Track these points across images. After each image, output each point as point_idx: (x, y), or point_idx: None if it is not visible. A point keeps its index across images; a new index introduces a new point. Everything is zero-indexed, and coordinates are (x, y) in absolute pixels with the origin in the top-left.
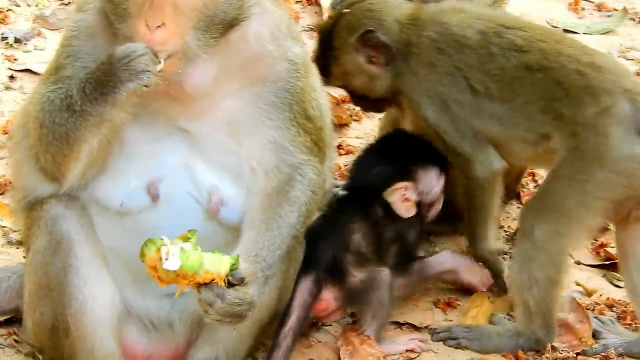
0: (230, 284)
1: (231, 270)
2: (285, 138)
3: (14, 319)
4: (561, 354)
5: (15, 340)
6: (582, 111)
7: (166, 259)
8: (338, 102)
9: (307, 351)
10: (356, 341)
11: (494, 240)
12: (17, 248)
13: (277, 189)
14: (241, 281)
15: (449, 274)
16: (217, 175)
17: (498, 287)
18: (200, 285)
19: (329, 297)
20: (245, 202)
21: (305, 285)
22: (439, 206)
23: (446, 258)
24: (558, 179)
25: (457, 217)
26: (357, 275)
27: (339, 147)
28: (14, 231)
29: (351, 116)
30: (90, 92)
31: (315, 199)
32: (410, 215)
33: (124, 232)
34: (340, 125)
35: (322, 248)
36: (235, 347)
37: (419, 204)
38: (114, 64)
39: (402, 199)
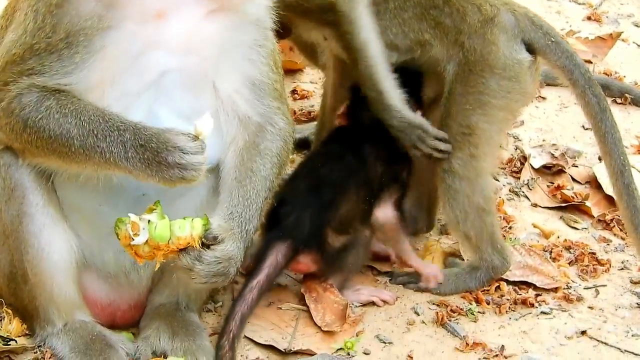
0: (205, 245)
1: (204, 231)
2: (262, 76)
3: None
4: (519, 294)
5: None
6: (465, 20)
7: (135, 235)
8: (291, 48)
9: (269, 294)
10: (319, 288)
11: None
12: None
13: (249, 142)
14: (215, 240)
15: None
16: (184, 119)
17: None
18: (179, 253)
19: (307, 262)
20: (217, 143)
21: (281, 249)
22: None
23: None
24: (454, 99)
25: None
26: (336, 243)
27: (294, 92)
28: None
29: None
30: (132, 154)
31: (286, 148)
32: None
33: (83, 188)
34: (294, 71)
35: (301, 218)
36: (195, 290)
37: None
38: (168, 160)
39: None
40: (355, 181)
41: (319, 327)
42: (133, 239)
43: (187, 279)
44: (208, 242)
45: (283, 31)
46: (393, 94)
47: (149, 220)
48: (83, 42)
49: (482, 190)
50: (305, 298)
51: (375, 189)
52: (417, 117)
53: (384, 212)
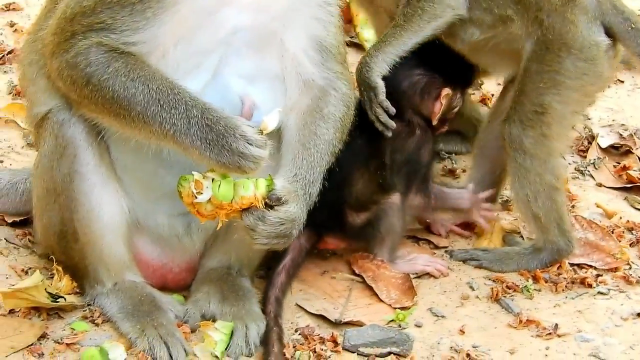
0: (268, 206)
1: (268, 191)
2: (329, 37)
3: (30, 220)
4: (577, 273)
5: (30, 241)
6: None
7: (199, 193)
8: None
9: (321, 262)
10: (372, 267)
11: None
12: (37, 150)
13: (312, 106)
14: (278, 201)
15: (461, 212)
16: (248, 80)
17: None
18: (242, 212)
19: (334, 242)
20: (278, 103)
21: (304, 234)
22: (447, 125)
23: (465, 197)
24: (529, 77)
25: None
26: (357, 220)
27: None
28: None
29: None
30: (195, 131)
31: (349, 113)
32: (435, 123)
33: (139, 151)
34: None
35: (318, 201)
36: (248, 256)
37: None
38: (232, 146)
39: (440, 105)
40: (362, 156)
41: (371, 298)
42: (196, 197)
43: (249, 239)
44: (271, 202)
45: None
46: (380, 55)
47: (212, 179)
48: None
49: (553, 169)
50: (365, 279)
51: (388, 161)
52: (378, 82)
53: (412, 201)
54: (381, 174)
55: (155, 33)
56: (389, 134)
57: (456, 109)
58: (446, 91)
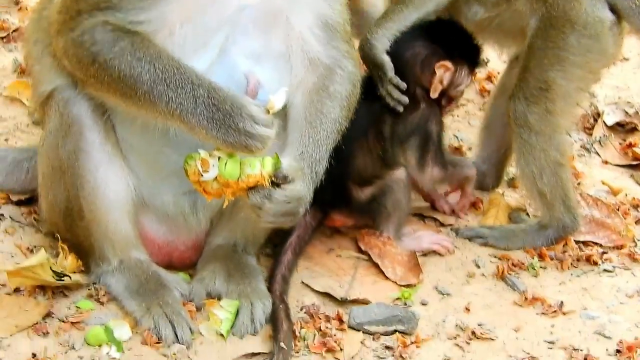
0: (275, 184)
1: (274, 170)
2: (335, 15)
3: (35, 198)
4: (583, 251)
5: (36, 219)
6: None
7: (205, 171)
8: None
9: (327, 240)
10: (379, 244)
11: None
12: (42, 128)
13: (318, 84)
14: (285, 179)
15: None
16: (253, 58)
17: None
18: (248, 191)
19: (341, 218)
20: (283, 82)
21: (309, 211)
22: (454, 104)
23: (472, 166)
24: (534, 54)
25: None
26: (362, 195)
27: None
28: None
29: None
30: (202, 110)
31: (354, 91)
32: (434, 97)
33: (144, 130)
34: None
35: (323, 179)
36: (253, 233)
37: (442, 93)
38: (239, 125)
39: (439, 78)
40: (361, 129)
41: (377, 276)
42: (202, 175)
43: (255, 218)
44: (278, 181)
45: None
46: (381, 30)
47: (219, 157)
48: None
49: (559, 145)
50: (371, 256)
51: (387, 134)
52: (384, 58)
53: (430, 174)
54: (382, 147)
55: (161, 12)
56: (401, 109)
57: (462, 87)
58: (444, 63)
